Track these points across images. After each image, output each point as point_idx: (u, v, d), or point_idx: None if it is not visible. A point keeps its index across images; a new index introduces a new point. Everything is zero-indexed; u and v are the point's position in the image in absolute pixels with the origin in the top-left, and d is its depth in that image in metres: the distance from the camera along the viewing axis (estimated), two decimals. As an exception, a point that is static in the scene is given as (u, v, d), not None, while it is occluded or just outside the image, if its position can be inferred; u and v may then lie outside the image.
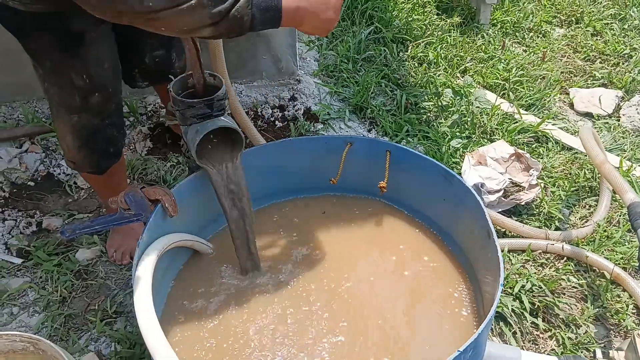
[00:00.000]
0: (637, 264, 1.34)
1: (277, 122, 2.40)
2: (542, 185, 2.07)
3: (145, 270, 1.04)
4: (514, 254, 1.85)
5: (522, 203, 1.96)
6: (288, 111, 2.46)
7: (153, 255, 1.08)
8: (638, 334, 1.28)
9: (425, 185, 1.39)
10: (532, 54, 2.82)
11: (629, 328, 1.62)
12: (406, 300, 1.25)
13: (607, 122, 2.48)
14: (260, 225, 1.43)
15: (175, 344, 1.15)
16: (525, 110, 2.48)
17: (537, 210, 1.99)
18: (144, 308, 0.99)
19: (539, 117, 2.43)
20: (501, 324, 1.65)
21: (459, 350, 0.90)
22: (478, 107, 2.37)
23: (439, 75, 2.58)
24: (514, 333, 1.62)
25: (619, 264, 1.81)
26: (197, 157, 1.26)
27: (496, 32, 2.98)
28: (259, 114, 2.46)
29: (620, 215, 2.00)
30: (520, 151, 2.08)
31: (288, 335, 1.16)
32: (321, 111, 2.42)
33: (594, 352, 1.35)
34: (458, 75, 2.64)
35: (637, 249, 1.84)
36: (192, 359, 1.14)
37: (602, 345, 1.60)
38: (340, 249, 1.38)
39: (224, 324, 1.22)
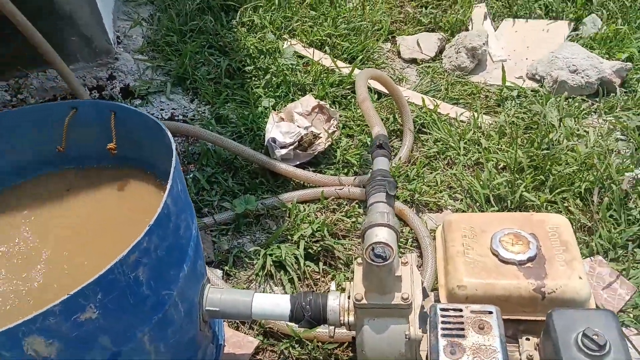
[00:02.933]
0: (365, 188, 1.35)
1: (93, 103, 2.34)
2: (338, 134, 2.06)
3: None
4: (309, 204, 1.85)
5: (317, 153, 1.96)
6: (106, 91, 2.40)
7: None
8: (358, 262, 1.28)
9: (149, 139, 1.36)
10: (362, 8, 2.81)
11: (406, 260, 1.65)
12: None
13: (430, 66, 2.49)
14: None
15: None
16: (349, 63, 2.48)
17: (336, 158, 2.00)
18: None
19: (361, 69, 2.43)
20: (281, 272, 1.66)
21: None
22: (288, 65, 2.35)
23: (259, 38, 2.55)
24: (291, 279, 1.63)
25: (406, 199, 1.83)
26: None
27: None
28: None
29: (420, 153, 2.02)
30: (322, 103, 2.07)
31: None
32: (139, 87, 2.37)
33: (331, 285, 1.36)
34: (286, 36, 2.62)
35: (419, 183, 1.87)
36: None
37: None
38: (66, 221, 1.35)
39: None
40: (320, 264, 1.67)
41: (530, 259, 1.12)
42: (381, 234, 1.20)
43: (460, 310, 1.03)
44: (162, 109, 2.34)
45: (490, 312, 1.02)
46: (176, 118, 2.30)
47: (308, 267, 1.66)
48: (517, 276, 1.11)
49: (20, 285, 1.19)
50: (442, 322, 1.01)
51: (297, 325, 1.33)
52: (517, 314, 1.11)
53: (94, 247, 1.26)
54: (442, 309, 1.03)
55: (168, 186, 1.09)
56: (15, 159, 1.43)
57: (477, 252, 1.16)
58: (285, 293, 1.62)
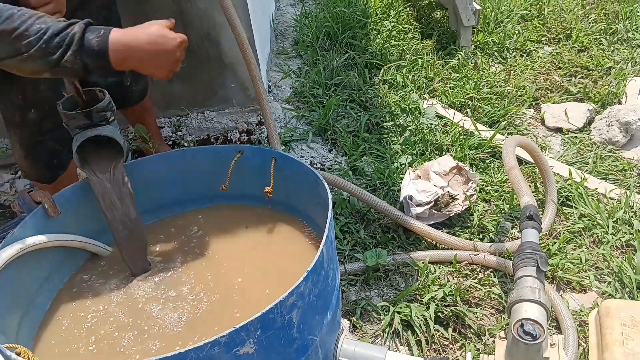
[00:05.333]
0: (512, 261, 1.31)
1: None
2: (476, 198, 2.03)
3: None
4: (440, 266, 1.83)
5: (452, 214, 1.95)
6: (254, 135, 2.59)
7: (16, 245, 1.22)
8: (500, 336, 1.24)
9: (303, 187, 1.45)
10: (507, 72, 2.79)
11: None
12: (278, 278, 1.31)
13: (577, 136, 2.40)
14: (155, 236, 1.53)
15: (55, 344, 1.26)
16: (489, 127, 2.46)
17: (471, 222, 1.96)
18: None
19: (503, 134, 2.40)
20: (408, 332, 1.64)
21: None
22: (428, 124, 2.38)
23: (400, 96, 2.62)
24: (418, 341, 1.61)
25: (546, 274, 1.74)
26: (80, 165, 1.40)
27: (474, 53, 2.99)
28: (228, 138, 2.61)
29: (562, 227, 1.93)
30: (461, 164, 2.07)
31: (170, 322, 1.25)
32: (284, 134, 2.53)
33: (465, 355, 1.32)
34: (426, 96, 2.67)
35: (561, 258, 1.78)
36: (74, 356, 1.23)
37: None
38: (227, 252, 1.46)
39: (113, 321, 1.32)
40: (450, 329, 1.63)
41: (702, 362, 1.02)
42: (531, 311, 1.16)
43: (621, 407, 0.95)
44: (302, 156, 2.48)
45: (656, 416, 0.94)
46: (314, 166, 2.42)
47: (437, 331, 1.63)
48: (684, 378, 1.01)
49: (184, 305, 1.30)
50: (600, 417, 0.94)
51: (426, 391, 1.31)
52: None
53: (245, 284, 1.35)
54: (600, 403, 0.97)
55: (325, 235, 1.15)
56: (186, 191, 1.59)
57: (637, 343, 1.08)
58: (411, 354, 1.60)
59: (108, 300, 1.36)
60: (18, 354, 0.96)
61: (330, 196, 1.27)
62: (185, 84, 2.64)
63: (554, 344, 1.18)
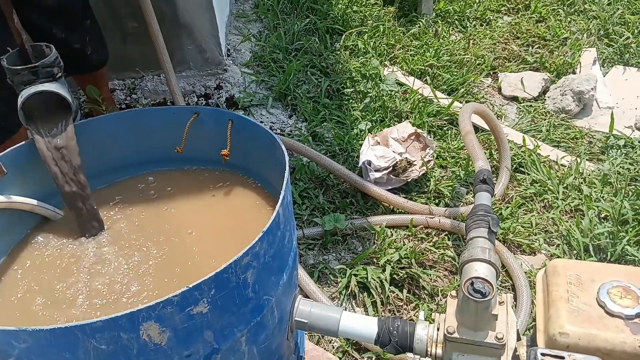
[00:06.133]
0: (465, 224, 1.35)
1: (199, 109, 2.48)
2: (433, 164, 2.06)
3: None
4: (396, 229, 1.86)
5: (410, 180, 1.97)
6: (213, 99, 2.54)
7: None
8: (452, 294, 1.27)
9: (261, 150, 1.43)
10: (467, 41, 2.81)
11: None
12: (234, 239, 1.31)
13: (532, 105, 2.45)
14: (108, 198, 1.49)
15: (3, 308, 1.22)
16: (448, 94, 2.48)
17: (428, 187, 1.99)
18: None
19: (461, 102, 2.43)
20: (364, 294, 1.67)
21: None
22: (388, 91, 2.38)
23: (361, 62, 2.61)
24: (374, 302, 1.64)
25: (498, 238, 1.80)
26: (25, 121, 1.34)
27: (435, 21, 2.99)
28: (186, 103, 2.55)
29: (515, 193, 1.98)
30: (419, 131, 2.09)
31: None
32: (243, 98, 2.49)
33: (419, 314, 1.36)
34: (387, 63, 2.66)
35: (513, 222, 1.83)
36: (30, 316, 1.19)
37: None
38: (182, 214, 1.43)
39: (65, 284, 1.29)
40: (405, 291, 1.67)
41: (638, 315, 1.07)
42: (481, 270, 1.19)
43: (563, 358, 1.00)
44: (261, 122, 2.44)
45: (594, 365, 0.99)
46: (274, 132, 2.39)
47: (392, 293, 1.66)
48: (622, 330, 1.07)
49: (133, 271, 1.28)
50: (542, 368, 0.99)
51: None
52: (619, 371, 1.06)
53: (200, 246, 1.34)
54: (543, 354, 1.01)
55: (280, 196, 1.14)
56: (140, 153, 1.55)
57: (582, 300, 1.12)
58: (367, 315, 1.62)
59: (60, 263, 1.33)
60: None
61: (287, 157, 1.26)
62: (140, 45, 2.55)
63: (503, 302, 1.22)
